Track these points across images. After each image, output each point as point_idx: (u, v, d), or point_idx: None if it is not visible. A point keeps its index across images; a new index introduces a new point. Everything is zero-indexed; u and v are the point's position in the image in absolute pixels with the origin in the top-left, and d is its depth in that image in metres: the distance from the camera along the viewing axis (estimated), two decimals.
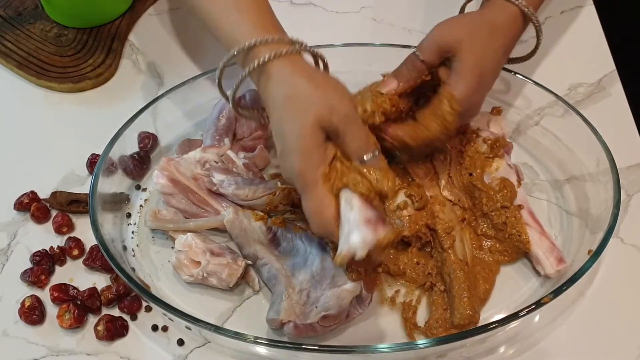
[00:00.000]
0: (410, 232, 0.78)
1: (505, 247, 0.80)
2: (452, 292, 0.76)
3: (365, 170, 0.68)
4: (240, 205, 0.82)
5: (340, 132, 0.68)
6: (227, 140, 0.87)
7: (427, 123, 0.77)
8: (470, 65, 0.76)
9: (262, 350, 0.74)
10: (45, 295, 0.79)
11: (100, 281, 0.80)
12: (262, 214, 0.81)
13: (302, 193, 0.69)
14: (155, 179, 0.83)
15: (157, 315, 0.78)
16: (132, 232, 0.84)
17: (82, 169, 0.90)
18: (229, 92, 0.76)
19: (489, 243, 0.81)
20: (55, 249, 0.82)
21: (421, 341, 0.72)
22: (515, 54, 0.85)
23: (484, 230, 0.81)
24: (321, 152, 0.68)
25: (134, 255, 0.82)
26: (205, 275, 0.77)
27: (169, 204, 0.83)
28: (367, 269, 0.76)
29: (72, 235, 0.84)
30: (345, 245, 0.67)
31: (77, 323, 0.76)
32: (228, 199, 0.83)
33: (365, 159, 0.69)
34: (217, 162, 0.85)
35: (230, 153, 0.86)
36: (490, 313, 0.77)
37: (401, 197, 0.80)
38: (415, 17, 1.08)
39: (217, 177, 0.82)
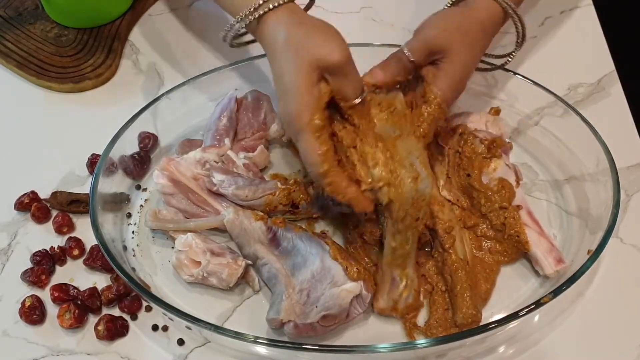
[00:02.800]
0: None
1: (504, 248, 0.80)
2: (454, 291, 0.76)
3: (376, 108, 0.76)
4: (240, 206, 0.82)
5: (338, 72, 0.72)
6: (227, 140, 0.87)
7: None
8: (459, 70, 0.77)
9: (262, 350, 0.74)
10: (45, 295, 0.79)
11: (101, 281, 0.80)
12: (262, 214, 0.81)
13: (298, 135, 0.72)
14: (156, 179, 0.83)
15: (157, 315, 0.78)
16: (133, 232, 0.84)
17: (83, 169, 0.90)
18: (224, 33, 0.80)
19: (488, 244, 0.81)
20: (55, 248, 0.82)
21: (421, 341, 0.72)
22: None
23: (483, 231, 0.81)
24: (315, 92, 0.72)
25: (134, 255, 0.82)
26: (205, 275, 0.77)
27: (169, 204, 0.83)
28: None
29: (72, 235, 0.84)
30: None
31: (78, 323, 0.76)
32: (228, 199, 0.83)
33: (356, 102, 0.74)
34: (217, 162, 0.85)
35: (230, 153, 0.86)
36: (490, 313, 0.77)
37: None
38: (415, 17, 1.07)
39: (217, 177, 0.82)
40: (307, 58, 0.71)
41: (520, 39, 0.84)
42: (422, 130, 0.77)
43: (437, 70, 0.78)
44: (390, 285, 0.76)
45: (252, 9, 0.74)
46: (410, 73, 0.79)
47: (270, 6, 0.73)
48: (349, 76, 0.73)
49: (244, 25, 0.76)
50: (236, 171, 0.84)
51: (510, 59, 0.87)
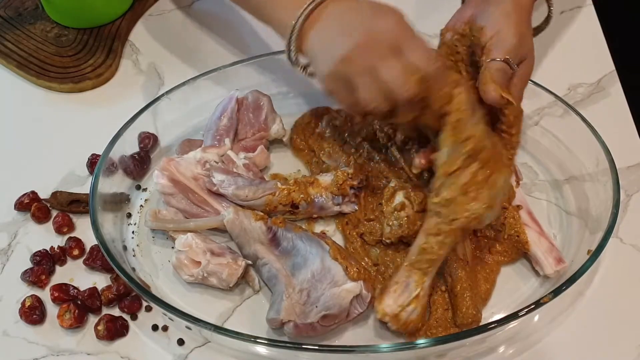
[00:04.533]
0: (409, 232, 0.79)
1: (504, 248, 0.80)
2: (454, 291, 0.76)
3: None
4: (240, 206, 0.82)
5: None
6: (227, 140, 0.87)
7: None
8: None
9: (262, 350, 0.74)
10: (45, 295, 0.79)
11: (101, 281, 0.80)
12: (262, 214, 0.81)
13: (414, 41, 0.72)
14: (156, 179, 0.83)
15: (158, 315, 0.78)
16: (133, 232, 0.84)
17: (83, 169, 0.90)
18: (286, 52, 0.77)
19: (488, 244, 0.81)
20: (55, 249, 0.82)
21: (421, 341, 0.72)
22: None
23: (483, 231, 0.81)
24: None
25: (134, 255, 0.82)
26: (205, 275, 0.77)
27: (169, 204, 0.83)
28: None
29: (72, 235, 0.84)
30: None
31: (78, 323, 0.76)
32: (228, 199, 0.83)
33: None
34: (217, 162, 0.85)
35: (230, 153, 0.86)
36: (490, 313, 0.77)
37: (399, 198, 0.80)
38: (414, 17, 1.07)
39: (217, 177, 0.82)
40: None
41: (550, 14, 0.85)
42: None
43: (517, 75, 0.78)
44: (402, 290, 0.74)
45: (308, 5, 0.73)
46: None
47: None
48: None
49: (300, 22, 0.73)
50: (236, 171, 0.84)
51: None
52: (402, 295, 0.74)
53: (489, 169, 0.73)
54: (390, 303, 0.74)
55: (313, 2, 0.73)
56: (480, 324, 0.75)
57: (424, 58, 0.71)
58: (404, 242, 0.80)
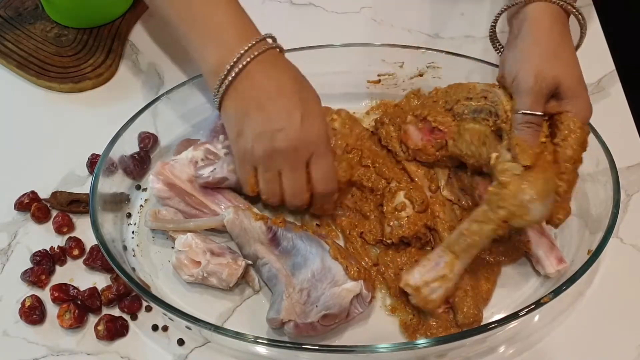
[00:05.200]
0: (409, 232, 0.79)
1: (505, 248, 0.80)
2: (455, 291, 0.76)
3: None
4: (239, 193, 0.82)
5: None
6: (222, 137, 0.87)
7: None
8: (580, 85, 0.76)
9: (262, 350, 0.74)
10: (45, 295, 0.79)
11: (101, 281, 0.80)
12: (262, 213, 0.81)
13: (326, 152, 0.77)
14: (151, 184, 0.82)
15: (157, 315, 0.78)
16: (133, 232, 0.84)
17: (83, 169, 0.90)
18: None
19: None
20: (55, 249, 0.82)
21: (421, 341, 0.72)
22: None
23: None
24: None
25: (134, 255, 0.82)
26: (205, 275, 0.77)
27: (167, 206, 0.83)
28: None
29: (72, 235, 0.84)
30: None
31: (78, 323, 0.76)
32: (226, 197, 0.83)
33: None
34: (203, 160, 0.85)
35: (209, 146, 0.85)
36: (491, 313, 0.77)
37: (400, 199, 0.80)
38: (415, 17, 1.08)
39: (205, 171, 0.82)
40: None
41: (583, 31, 0.83)
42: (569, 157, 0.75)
43: (568, 101, 0.75)
44: (431, 267, 0.74)
45: (238, 56, 0.75)
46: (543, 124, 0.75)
47: (259, 51, 0.76)
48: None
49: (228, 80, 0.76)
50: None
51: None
52: (430, 272, 0.74)
53: (547, 169, 0.73)
54: (416, 275, 0.74)
55: (232, 73, 0.75)
56: (481, 323, 0.75)
57: (324, 178, 0.77)
58: (404, 242, 0.80)
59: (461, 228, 0.74)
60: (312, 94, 0.78)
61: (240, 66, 0.75)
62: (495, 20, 0.85)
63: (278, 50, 0.79)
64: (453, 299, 0.76)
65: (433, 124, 0.82)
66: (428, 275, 0.74)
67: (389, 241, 0.80)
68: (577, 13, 0.79)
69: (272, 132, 0.74)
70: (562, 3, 0.78)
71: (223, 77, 0.75)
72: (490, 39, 0.86)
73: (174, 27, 0.81)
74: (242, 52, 0.75)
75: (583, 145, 0.76)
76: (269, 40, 0.78)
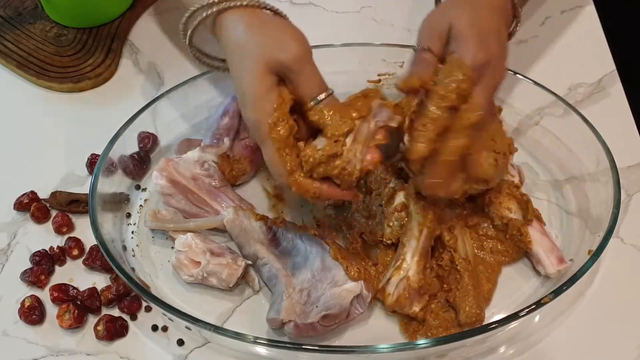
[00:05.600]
0: None
1: (506, 248, 0.80)
2: (457, 291, 0.76)
3: (312, 112, 0.69)
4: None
5: (293, 71, 0.68)
6: (227, 140, 0.87)
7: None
8: (466, 27, 0.71)
9: (262, 350, 0.74)
10: (45, 295, 0.79)
11: (100, 281, 0.80)
12: (262, 214, 0.81)
13: (260, 144, 0.70)
14: (155, 179, 0.83)
15: (157, 315, 0.78)
16: (132, 232, 0.84)
17: (82, 169, 0.90)
18: (187, 35, 0.77)
19: (489, 243, 0.81)
20: (55, 249, 0.82)
21: (421, 341, 0.72)
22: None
23: (484, 230, 0.81)
24: (272, 97, 0.68)
25: (133, 255, 0.82)
26: (205, 275, 0.77)
27: (169, 204, 0.83)
28: None
29: (72, 235, 0.84)
30: None
31: (77, 323, 0.76)
32: (229, 197, 0.83)
33: (319, 98, 0.69)
34: (215, 162, 0.85)
35: (216, 150, 0.86)
36: (491, 313, 0.77)
37: (400, 199, 0.80)
38: (415, 17, 1.07)
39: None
40: (260, 60, 0.68)
41: (517, 19, 0.80)
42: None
43: (456, 43, 0.71)
44: (391, 265, 0.76)
45: (209, 2, 0.71)
46: (436, 64, 0.72)
47: (230, 5, 0.70)
48: (302, 74, 0.69)
49: (198, 20, 0.72)
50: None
51: None
52: (389, 270, 0.76)
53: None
54: (382, 281, 0.76)
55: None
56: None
57: (272, 169, 0.71)
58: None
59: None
60: (249, 70, 0.69)
61: (204, 14, 0.71)
62: None
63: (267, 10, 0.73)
64: (454, 298, 0.76)
65: None
66: (388, 273, 0.76)
67: (389, 242, 0.80)
68: (517, 11, 0.77)
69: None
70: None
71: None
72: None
73: None
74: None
75: (462, 91, 0.69)
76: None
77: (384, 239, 0.80)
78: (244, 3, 0.71)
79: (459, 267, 0.77)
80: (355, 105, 0.71)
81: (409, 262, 0.76)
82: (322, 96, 0.69)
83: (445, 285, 0.77)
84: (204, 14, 0.72)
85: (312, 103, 0.69)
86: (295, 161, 0.70)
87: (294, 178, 0.70)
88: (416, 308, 0.74)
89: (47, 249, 0.82)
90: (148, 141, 0.89)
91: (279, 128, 0.69)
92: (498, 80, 0.72)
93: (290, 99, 0.70)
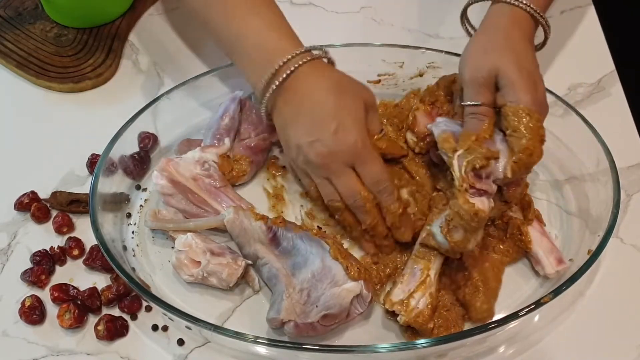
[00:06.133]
0: (413, 229, 0.79)
1: (507, 247, 0.80)
2: (466, 288, 0.76)
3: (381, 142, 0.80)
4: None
5: (373, 109, 0.81)
6: (227, 140, 0.87)
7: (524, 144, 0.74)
8: (515, 73, 0.74)
9: (262, 350, 0.74)
10: (45, 295, 0.79)
11: (101, 281, 0.80)
12: (262, 214, 0.81)
13: (368, 158, 0.77)
14: (155, 179, 0.83)
15: (157, 315, 0.78)
16: (132, 232, 0.84)
17: (82, 169, 0.90)
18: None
19: (492, 243, 0.81)
20: (55, 248, 0.82)
21: (421, 341, 0.72)
22: None
23: (486, 230, 0.81)
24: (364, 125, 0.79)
25: (134, 255, 0.82)
26: (205, 275, 0.77)
27: (169, 204, 0.83)
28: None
29: (72, 235, 0.84)
30: None
31: (77, 323, 0.76)
32: (229, 197, 0.83)
33: (381, 134, 0.81)
34: (215, 162, 0.85)
35: (216, 150, 0.87)
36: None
37: (404, 196, 0.80)
38: (415, 17, 1.08)
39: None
40: (360, 97, 0.79)
41: (543, 41, 0.83)
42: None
43: (506, 91, 0.74)
44: (408, 279, 0.75)
45: (285, 60, 0.77)
46: (491, 113, 0.76)
47: (303, 60, 0.77)
48: (375, 113, 0.81)
49: (276, 83, 0.78)
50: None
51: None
52: (410, 283, 0.74)
53: None
54: (398, 292, 0.74)
55: (278, 76, 0.77)
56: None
57: (373, 181, 0.77)
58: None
59: (422, 236, 0.76)
60: (353, 100, 0.78)
61: (288, 71, 0.77)
62: (465, 8, 0.85)
63: (326, 60, 0.82)
64: (463, 295, 0.76)
65: (440, 111, 0.82)
66: (408, 286, 0.74)
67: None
68: (542, 20, 0.79)
69: (308, 144, 0.76)
70: (527, 8, 0.78)
71: (269, 79, 0.78)
72: (462, 24, 0.87)
73: (217, 35, 0.84)
74: (289, 57, 0.77)
75: (537, 134, 0.73)
76: (315, 52, 0.80)
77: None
78: (315, 55, 0.79)
79: (466, 264, 0.77)
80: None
81: (432, 281, 0.75)
82: (384, 130, 0.82)
83: (453, 285, 0.77)
84: (284, 75, 0.78)
85: (381, 134, 0.81)
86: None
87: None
88: (431, 325, 0.73)
89: (48, 249, 0.82)
90: (148, 141, 0.89)
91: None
92: (546, 113, 0.77)
93: None
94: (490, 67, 0.75)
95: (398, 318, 0.73)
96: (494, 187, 0.74)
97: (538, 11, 0.78)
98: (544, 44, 0.84)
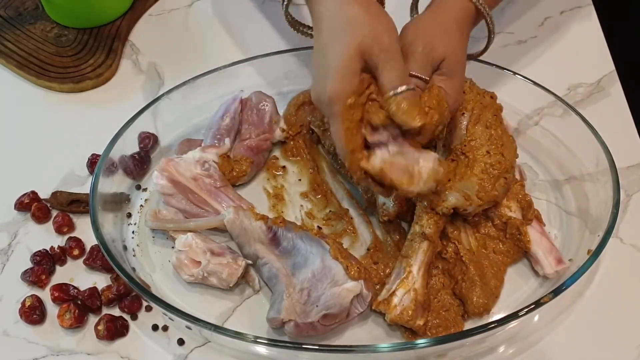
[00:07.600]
0: (407, 209, 0.79)
1: (507, 248, 0.80)
2: (462, 283, 0.76)
3: (390, 101, 0.70)
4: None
5: (380, 61, 0.70)
6: (227, 140, 0.87)
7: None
8: (458, 65, 0.77)
9: (262, 349, 0.74)
10: (45, 295, 0.79)
11: (101, 281, 0.80)
12: (262, 214, 0.81)
13: (330, 118, 0.71)
14: (155, 179, 0.83)
15: (158, 315, 0.78)
16: (133, 232, 0.84)
17: (83, 169, 0.90)
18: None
19: (492, 243, 0.81)
20: (55, 248, 0.82)
21: (421, 341, 0.72)
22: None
23: (487, 230, 0.81)
24: (355, 80, 0.70)
25: (134, 255, 0.82)
26: (205, 274, 0.77)
27: (169, 204, 0.83)
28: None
29: (72, 235, 0.84)
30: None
31: (78, 323, 0.76)
32: (229, 197, 0.83)
33: (399, 90, 0.70)
34: (215, 162, 0.85)
35: (216, 150, 0.87)
36: (491, 313, 0.77)
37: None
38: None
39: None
40: (354, 43, 0.70)
41: (490, 35, 0.84)
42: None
43: (445, 78, 0.76)
44: (393, 279, 0.75)
45: None
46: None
47: None
48: (388, 64, 0.70)
49: None
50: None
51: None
52: (394, 283, 0.75)
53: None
54: (384, 293, 0.75)
55: None
56: (481, 323, 0.75)
57: (337, 143, 0.72)
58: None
59: (408, 236, 0.77)
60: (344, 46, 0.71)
61: None
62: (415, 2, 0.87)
63: None
64: (460, 289, 0.76)
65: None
66: (392, 285, 0.75)
67: (385, 218, 0.81)
68: (487, 15, 0.80)
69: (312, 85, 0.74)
70: (476, 2, 0.79)
71: None
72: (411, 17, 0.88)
73: None
74: None
75: (436, 121, 0.74)
76: None
77: (381, 217, 0.81)
78: None
79: (464, 259, 0.77)
80: (430, 103, 0.74)
81: (416, 276, 0.75)
82: (402, 88, 0.70)
83: (449, 280, 0.78)
84: None
85: (391, 93, 0.70)
86: (358, 142, 0.71)
87: (354, 156, 0.71)
88: (420, 322, 0.73)
89: (48, 249, 0.82)
90: (148, 141, 0.89)
91: (353, 111, 0.70)
92: (460, 102, 0.79)
93: (368, 94, 0.71)
94: (443, 51, 0.75)
95: (385, 317, 0.74)
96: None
97: (485, 7, 0.79)
98: (487, 45, 0.85)
